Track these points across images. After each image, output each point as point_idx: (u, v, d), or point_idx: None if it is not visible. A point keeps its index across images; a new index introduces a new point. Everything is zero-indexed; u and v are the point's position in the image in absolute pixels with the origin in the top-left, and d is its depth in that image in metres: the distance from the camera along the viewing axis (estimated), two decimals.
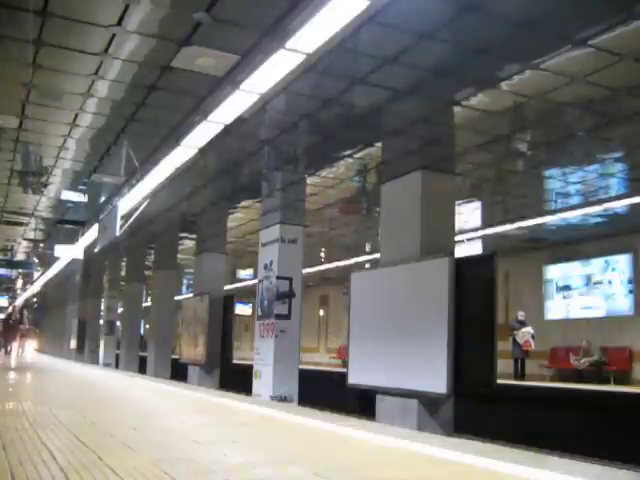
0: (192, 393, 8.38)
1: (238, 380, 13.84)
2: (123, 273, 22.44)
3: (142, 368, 18.48)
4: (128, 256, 20.09)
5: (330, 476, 3.03)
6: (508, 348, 14.26)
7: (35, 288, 29.88)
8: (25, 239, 18.68)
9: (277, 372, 10.43)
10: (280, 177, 10.35)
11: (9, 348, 22.04)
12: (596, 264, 15.58)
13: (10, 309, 37.18)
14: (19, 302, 39.80)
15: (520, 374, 14.45)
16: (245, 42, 5.85)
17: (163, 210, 13.10)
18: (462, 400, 7.93)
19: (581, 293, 16.02)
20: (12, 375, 10.40)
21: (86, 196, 12.50)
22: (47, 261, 20.26)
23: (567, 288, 16.33)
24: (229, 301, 14.57)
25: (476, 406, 10.09)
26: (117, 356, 21.30)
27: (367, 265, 17.53)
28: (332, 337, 25.49)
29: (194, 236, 15.79)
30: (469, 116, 7.50)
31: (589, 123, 7.79)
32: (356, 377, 8.93)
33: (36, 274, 25.37)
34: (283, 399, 10.24)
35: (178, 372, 16.26)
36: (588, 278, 15.82)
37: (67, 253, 15.91)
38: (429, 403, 7.74)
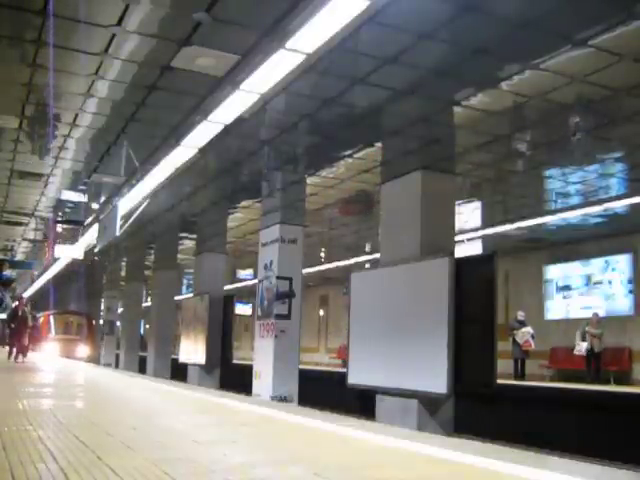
0: (192, 393, 8.38)
1: (238, 380, 13.84)
2: (123, 273, 22.44)
3: (142, 368, 18.47)
4: (128, 256, 20.09)
5: (330, 476, 3.03)
6: (508, 348, 14.25)
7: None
8: (25, 239, 18.67)
9: (277, 372, 10.44)
10: (280, 177, 10.35)
11: (14, 352, 15.34)
12: (596, 264, 15.59)
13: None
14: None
15: (520, 374, 14.45)
16: (245, 42, 5.85)
17: (163, 210, 13.10)
18: (462, 400, 7.93)
19: (581, 293, 16.03)
20: (13, 375, 10.41)
21: (86, 196, 12.50)
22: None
23: (567, 288, 16.33)
24: (229, 301, 14.58)
25: (476, 406, 10.10)
26: (117, 356, 21.31)
27: (367, 265, 17.53)
28: (332, 337, 25.50)
29: (194, 236, 15.80)
30: (469, 116, 7.51)
31: (589, 123, 7.79)
32: (356, 377, 8.94)
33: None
34: (283, 399, 10.24)
35: (178, 372, 16.26)
36: (588, 278, 15.83)
37: (67, 253, 15.90)
38: (429, 403, 7.74)
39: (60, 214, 14.42)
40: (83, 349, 23.31)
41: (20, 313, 15.09)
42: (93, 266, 21.37)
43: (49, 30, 5.87)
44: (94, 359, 22.68)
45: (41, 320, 24.65)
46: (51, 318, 25.01)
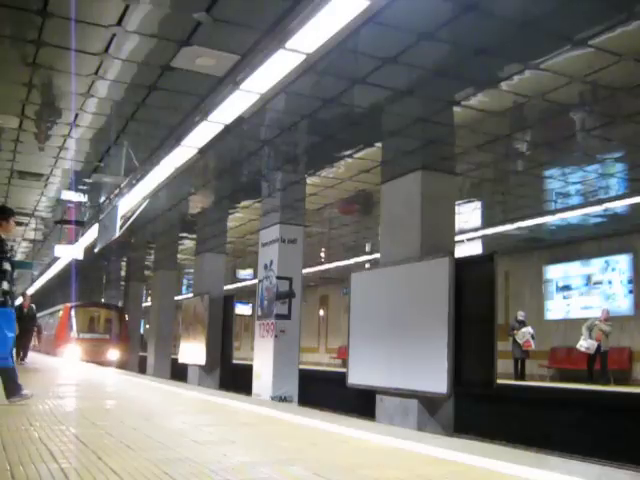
0: (192, 393, 8.38)
1: (238, 380, 13.85)
2: (123, 273, 22.42)
3: (142, 368, 18.47)
4: (128, 256, 20.08)
5: (330, 476, 3.03)
6: (508, 348, 14.26)
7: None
8: (25, 239, 18.67)
9: (277, 372, 10.45)
10: (280, 177, 10.35)
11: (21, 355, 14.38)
12: (596, 264, 15.59)
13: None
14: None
15: (520, 374, 14.45)
16: (245, 42, 5.85)
17: (163, 210, 13.09)
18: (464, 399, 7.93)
19: (581, 293, 16.03)
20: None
21: (86, 196, 12.49)
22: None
23: (567, 288, 16.34)
24: (229, 301, 14.60)
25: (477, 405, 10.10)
26: None
27: (367, 265, 17.54)
28: (332, 337, 25.52)
29: (194, 236, 15.79)
30: (469, 116, 7.50)
31: (589, 123, 7.79)
32: (356, 377, 8.94)
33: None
34: (283, 399, 10.25)
35: (178, 372, 16.26)
36: (588, 278, 15.83)
37: (67, 253, 15.86)
38: (429, 403, 7.75)
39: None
40: (113, 352, 18.45)
41: (26, 311, 14.83)
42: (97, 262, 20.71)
43: (49, 30, 5.87)
44: (126, 364, 18.38)
45: (60, 314, 20.16)
46: (72, 312, 19.51)
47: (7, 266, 5.74)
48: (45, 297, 28.97)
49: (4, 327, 5.61)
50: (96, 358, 17.32)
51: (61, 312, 20.29)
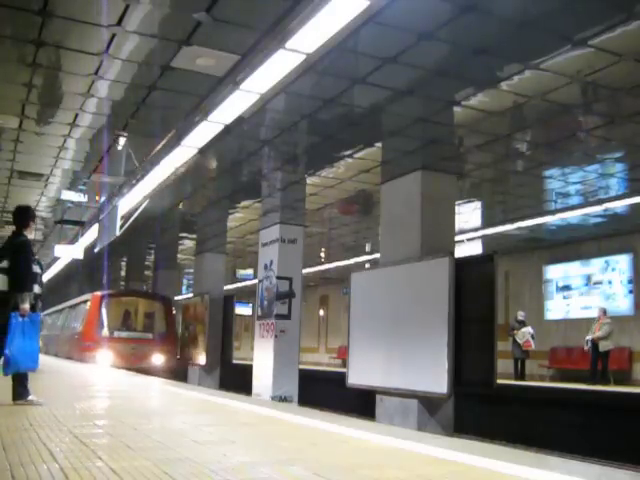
0: (192, 393, 8.38)
1: (238, 380, 13.85)
2: (123, 273, 22.41)
3: None
4: (128, 256, 20.09)
5: (330, 476, 3.03)
6: (508, 348, 14.26)
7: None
8: None
9: (277, 372, 10.46)
10: (280, 177, 10.36)
11: None
12: (596, 264, 15.58)
13: None
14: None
15: (520, 374, 14.45)
16: (245, 42, 5.85)
17: (163, 210, 13.08)
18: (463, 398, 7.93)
19: (581, 293, 16.02)
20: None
21: (86, 196, 12.49)
22: None
23: (567, 288, 16.33)
24: (229, 301, 14.60)
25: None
26: None
27: (367, 265, 17.55)
28: (332, 337, 25.52)
29: (194, 236, 15.78)
30: (469, 116, 7.51)
31: (589, 123, 7.79)
32: (356, 377, 8.95)
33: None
34: (283, 399, 10.26)
35: (178, 372, 16.24)
36: (588, 278, 15.82)
37: (67, 253, 15.86)
38: (429, 403, 7.75)
39: None
40: (158, 356, 14.70)
41: None
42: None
43: (49, 30, 5.87)
44: (173, 371, 14.70)
45: (86, 307, 15.98)
46: (103, 304, 15.35)
47: (37, 269, 5.69)
48: (47, 295, 28.76)
49: (32, 332, 5.56)
50: (135, 364, 13.97)
51: (88, 304, 15.96)
